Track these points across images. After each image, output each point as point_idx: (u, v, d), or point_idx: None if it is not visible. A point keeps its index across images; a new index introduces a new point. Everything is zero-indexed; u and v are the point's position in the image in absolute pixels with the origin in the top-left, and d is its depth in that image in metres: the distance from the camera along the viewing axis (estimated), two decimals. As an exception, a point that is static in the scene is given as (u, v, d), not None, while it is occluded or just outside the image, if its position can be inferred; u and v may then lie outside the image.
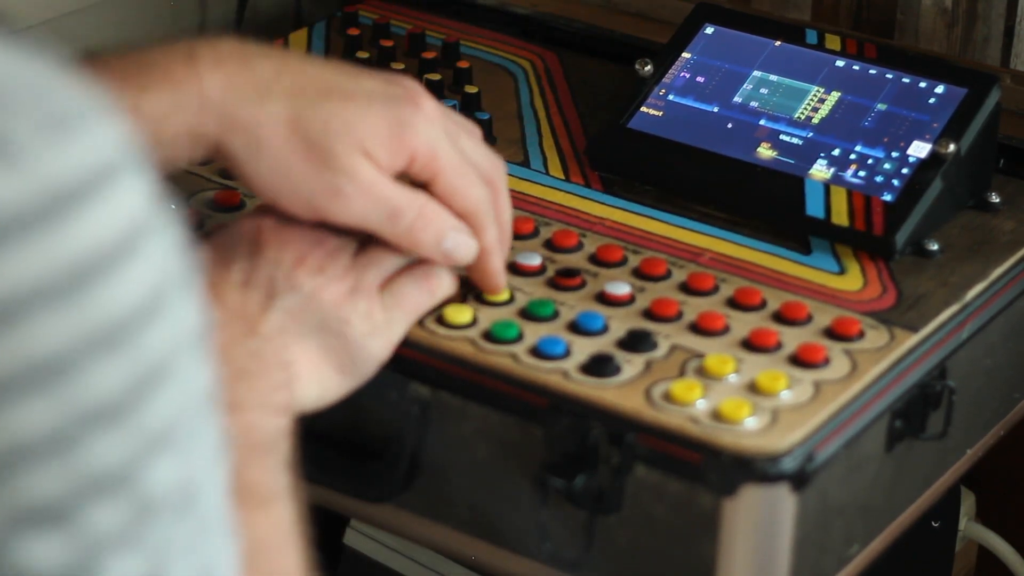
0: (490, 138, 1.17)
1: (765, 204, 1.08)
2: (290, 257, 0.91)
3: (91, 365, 0.55)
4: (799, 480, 0.89)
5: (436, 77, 1.22)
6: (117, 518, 0.57)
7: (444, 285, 0.96)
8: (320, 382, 0.90)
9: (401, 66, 1.24)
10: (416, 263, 0.95)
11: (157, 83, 0.89)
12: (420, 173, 0.93)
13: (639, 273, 1.02)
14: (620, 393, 0.92)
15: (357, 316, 0.91)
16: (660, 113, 1.14)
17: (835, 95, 1.12)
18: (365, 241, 0.94)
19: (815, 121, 1.11)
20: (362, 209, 0.91)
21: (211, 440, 0.62)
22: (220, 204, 1.08)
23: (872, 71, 1.13)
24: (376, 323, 0.92)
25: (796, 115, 1.12)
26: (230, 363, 0.86)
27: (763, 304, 1.00)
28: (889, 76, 1.12)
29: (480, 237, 0.96)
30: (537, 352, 0.95)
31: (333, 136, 0.91)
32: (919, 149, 1.08)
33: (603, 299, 1.00)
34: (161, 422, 0.58)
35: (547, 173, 1.13)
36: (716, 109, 1.13)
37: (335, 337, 0.90)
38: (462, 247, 0.95)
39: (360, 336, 0.91)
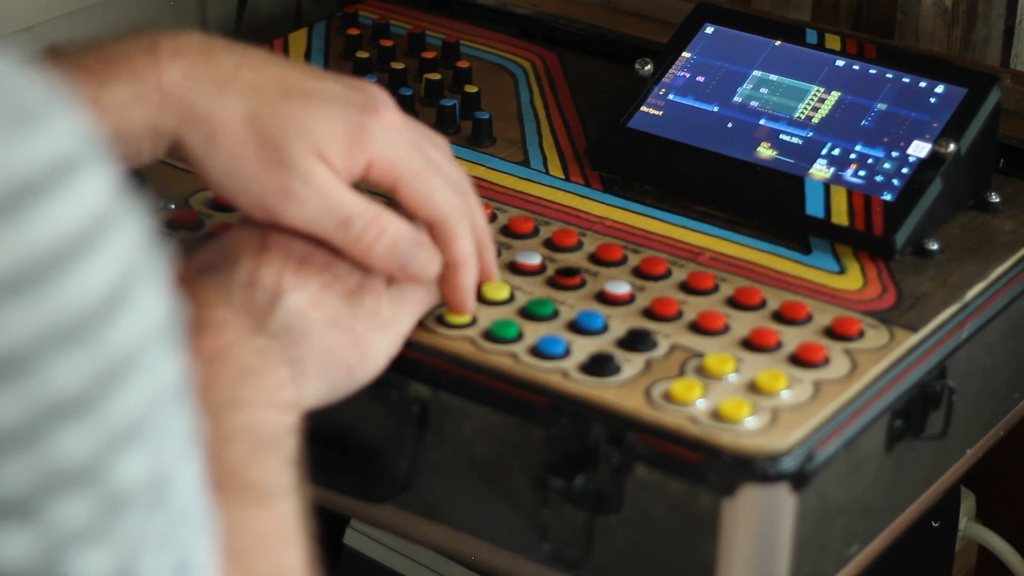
0: (490, 138, 1.17)
1: (765, 204, 1.08)
2: (296, 256, 0.90)
3: (54, 359, 0.55)
4: (799, 480, 0.88)
5: (436, 77, 1.22)
6: (84, 513, 0.56)
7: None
8: (328, 379, 0.90)
9: (401, 66, 1.24)
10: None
11: (118, 75, 0.88)
12: (380, 181, 0.92)
13: (639, 272, 1.02)
14: (620, 393, 0.92)
15: (364, 312, 0.91)
16: (660, 113, 1.14)
17: (835, 95, 1.12)
18: None
19: (815, 121, 1.11)
20: (314, 213, 0.90)
21: (182, 433, 0.61)
22: (220, 204, 1.08)
23: (872, 71, 1.13)
24: (383, 319, 0.92)
25: (796, 115, 1.12)
26: (235, 361, 0.85)
27: (763, 304, 1.00)
28: (889, 76, 1.12)
29: (451, 247, 0.93)
30: (537, 352, 0.95)
31: (289, 137, 0.89)
32: (919, 149, 1.08)
33: (603, 298, 1.00)
34: (128, 416, 0.57)
35: (547, 173, 1.13)
36: (716, 109, 1.13)
37: (342, 334, 0.90)
38: (420, 260, 0.92)
39: (367, 332, 0.91)
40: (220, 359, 0.85)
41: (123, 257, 0.57)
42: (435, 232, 0.93)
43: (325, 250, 0.91)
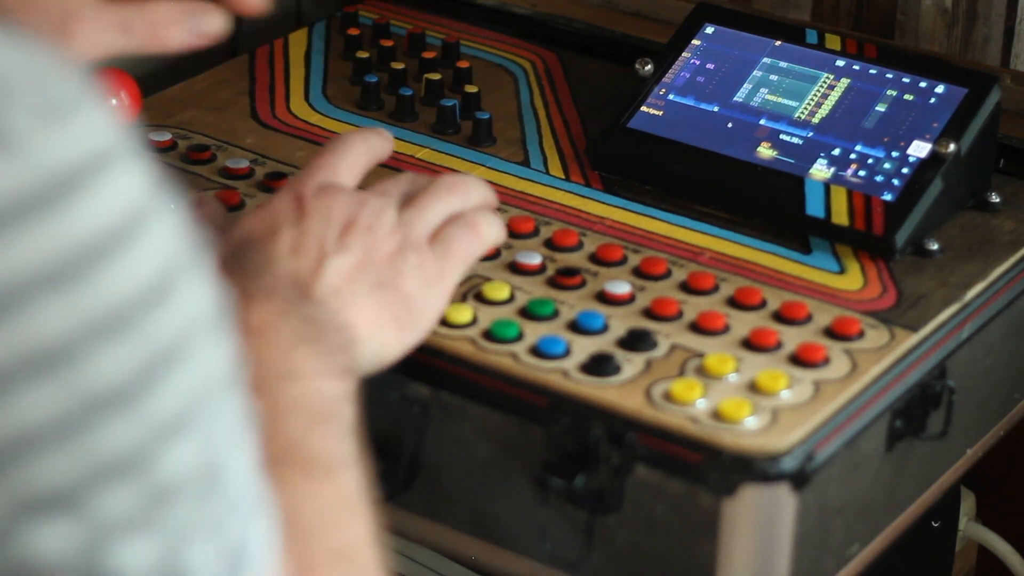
0: (490, 138, 1.17)
1: (765, 204, 1.08)
2: (337, 221, 0.90)
3: (96, 350, 0.55)
4: (799, 480, 0.88)
5: (436, 77, 1.22)
6: (128, 503, 0.57)
7: (493, 230, 0.96)
8: (380, 340, 0.89)
9: (401, 66, 1.24)
10: (461, 212, 0.95)
11: None
12: None
13: (639, 272, 1.02)
14: (620, 393, 0.92)
15: (410, 269, 0.91)
16: (660, 113, 1.14)
17: (835, 95, 1.12)
18: (407, 197, 0.94)
19: (815, 121, 1.11)
20: (96, 38, 0.86)
21: (233, 421, 0.62)
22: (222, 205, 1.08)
23: (872, 71, 1.13)
24: (430, 274, 0.92)
25: (796, 115, 1.12)
26: (286, 330, 0.85)
27: (763, 304, 1.00)
28: (889, 76, 1.12)
29: None
30: (537, 351, 0.95)
31: None
32: (919, 149, 1.08)
33: (603, 298, 1.00)
34: (175, 406, 0.58)
35: (547, 173, 1.13)
36: (716, 109, 1.13)
37: (391, 292, 0.90)
38: (204, 22, 0.90)
39: (415, 288, 0.91)
40: (270, 330, 0.85)
41: (164, 248, 0.57)
42: None
43: (365, 212, 0.91)
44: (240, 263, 0.88)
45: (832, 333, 0.97)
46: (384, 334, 0.90)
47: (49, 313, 0.54)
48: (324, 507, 0.79)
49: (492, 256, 1.03)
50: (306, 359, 0.85)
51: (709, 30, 1.17)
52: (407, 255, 0.91)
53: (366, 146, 0.97)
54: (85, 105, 0.56)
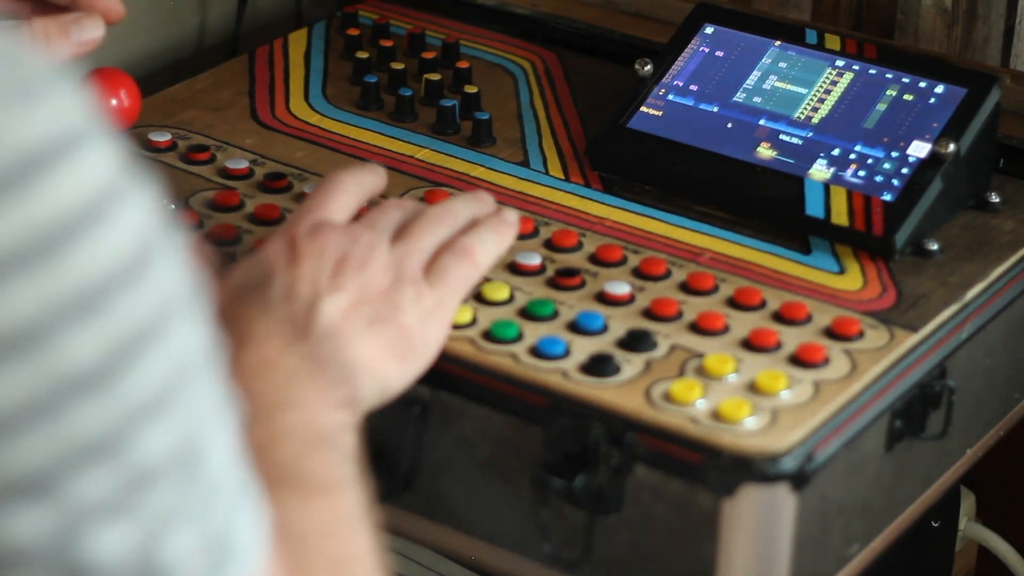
0: (490, 138, 1.17)
1: (765, 204, 1.08)
2: (330, 261, 0.90)
3: (67, 332, 0.55)
4: (799, 480, 0.88)
5: (436, 77, 1.22)
6: (104, 487, 0.56)
7: (488, 254, 0.96)
8: (381, 374, 0.89)
9: (401, 66, 1.24)
10: (454, 238, 0.95)
11: None
12: None
13: (639, 273, 1.02)
14: (620, 393, 0.92)
15: (407, 302, 0.91)
16: (660, 113, 1.14)
17: (835, 95, 1.12)
18: (398, 230, 0.94)
19: (815, 121, 1.11)
20: None
21: (211, 404, 0.61)
22: (220, 204, 1.08)
23: (872, 71, 1.13)
24: (427, 306, 0.92)
25: (796, 115, 1.11)
26: (282, 368, 0.85)
27: (763, 304, 1.00)
28: (889, 76, 1.12)
29: None
30: (537, 352, 0.95)
31: None
32: (919, 149, 1.08)
33: (603, 299, 1.00)
34: (149, 388, 0.57)
35: (547, 173, 1.13)
36: (716, 109, 1.13)
37: (389, 327, 0.90)
38: (86, 27, 0.98)
39: (414, 321, 0.91)
40: (267, 368, 0.85)
41: (136, 228, 0.57)
42: None
43: (357, 250, 0.91)
44: (236, 310, 0.88)
45: (832, 333, 0.97)
46: (385, 368, 0.90)
47: (18, 294, 0.54)
48: (320, 520, 0.79)
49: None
50: (305, 392, 0.85)
51: (709, 30, 1.17)
52: (403, 289, 0.91)
53: (357, 185, 0.97)
54: (54, 86, 0.56)
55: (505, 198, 1.10)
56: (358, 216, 0.96)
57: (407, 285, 0.91)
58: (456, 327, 0.97)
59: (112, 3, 1.01)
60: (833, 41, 1.15)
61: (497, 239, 0.97)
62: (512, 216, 0.99)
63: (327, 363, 0.87)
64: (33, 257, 0.54)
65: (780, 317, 0.98)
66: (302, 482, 0.80)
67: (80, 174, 0.56)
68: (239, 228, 1.05)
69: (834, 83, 1.13)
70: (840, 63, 1.13)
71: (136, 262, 0.57)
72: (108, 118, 0.58)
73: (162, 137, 1.15)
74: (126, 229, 0.57)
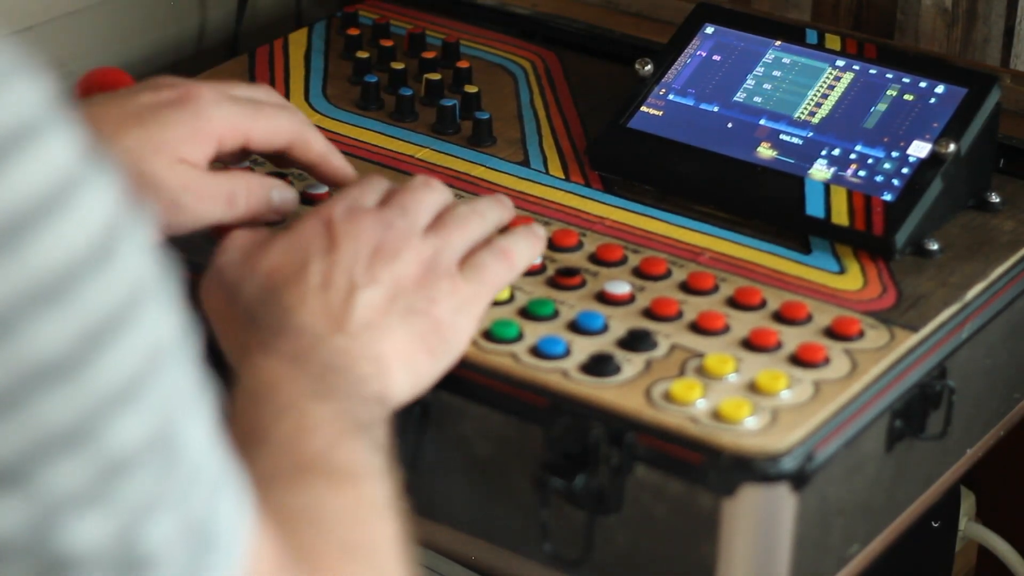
0: (490, 138, 1.17)
1: (765, 204, 1.08)
2: (366, 248, 0.91)
3: (33, 321, 0.54)
4: (799, 480, 0.88)
5: (436, 77, 1.22)
6: (78, 477, 0.56)
7: (523, 258, 0.97)
8: (413, 370, 0.90)
9: (401, 66, 1.24)
10: (490, 238, 0.96)
11: None
12: (232, 145, 0.99)
13: (639, 272, 1.02)
14: (620, 393, 0.92)
15: (442, 294, 0.92)
16: (660, 113, 1.14)
17: (835, 95, 1.12)
18: (435, 213, 0.96)
19: (815, 121, 1.11)
20: (205, 209, 0.96)
21: (185, 390, 0.61)
22: (220, 204, 1.08)
23: (872, 71, 1.13)
24: (461, 299, 0.92)
25: (796, 115, 1.11)
26: (317, 359, 0.86)
27: (763, 304, 1.00)
28: (889, 76, 1.12)
29: (312, 147, 1.02)
30: (537, 352, 0.95)
31: (148, 160, 0.95)
32: (919, 149, 1.08)
33: (603, 298, 1.00)
34: (119, 376, 0.57)
35: (547, 173, 1.13)
36: (716, 109, 1.13)
37: (422, 320, 0.90)
38: (288, 197, 1.01)
39: (447, 314, 0.91)
40: (302, 358, 0.86)
41: (99, 217, 0.57)
42: (292, 148, 1.01)
43: (393, 236, 0.92)
44: (271, 300, 0.89)
45: (832, 333, 0.97)
46: (417, 363, 0.90)
47: None
48: (341, 507, 0.79)
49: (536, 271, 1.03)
50: (337, 383, 0.86)
51: (709, 30, 1.17)
52: (439, 281, 0.92)
53: (388, 185, 0.98)
54: (12, 76, 0.56)
55: (505, 198, 1.10)
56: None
57: (442, 278, 0.92)
58: (456, 327, 0.97)
59: (349, 173, 1.04)
60: (833, 41, 1.15)
61: (531, 247, 0.99)
62: (542, 231, 1.00)
63: (361, 357, 0.87)
64: None
65: (780, 317, 0.98)
66: (329, 470, 0.80)
67: (41, 162, 0.55)
68: (239, 228, 1.05)
69: (834, 83, 1.13)
70: (840, 63, 1.13)
71: (102, 248, 0.57)
72: (69, 106, 0.58)
73: (162, 137, 1.15)
74: (90, 215, 0.56)
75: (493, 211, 0.99)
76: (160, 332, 0.59)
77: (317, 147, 1.02)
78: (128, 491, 0.58)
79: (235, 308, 0.90)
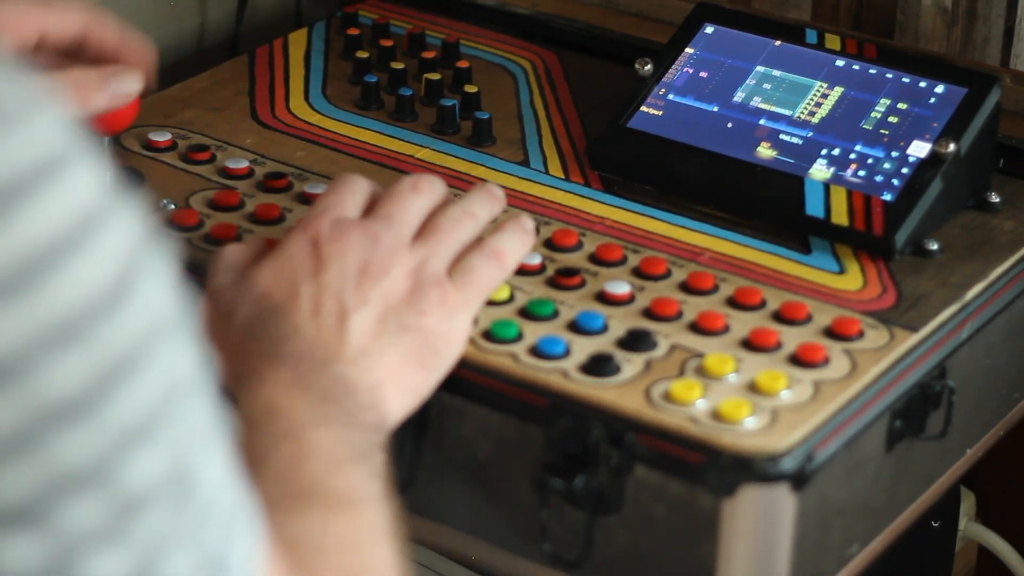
0: (490, 138, 1.17)
1: (765, 204, 1.08)
2: (353, 267, 0.90)
3: (50, 360, 0.54)
4: (799, 480, 0.88)
5: (436, 77, 1.22)
6: (95, 516, 0.56)
7: (514, 257, 0.96)
8: (408, 389, 0.90)
9: (401, 66, 1.24)
10: (480, 239, 0.96)
11: None
12: (28, 38, 0.99)
13: (639, 272, 1.02)
14: (620, 393, 0.92)
15: (431, 305, 0.91)
16: (660, 113, 1.14)
17: (835, 95, 1.12)
18: (423, 219, 0.94)
19: (815, 121, 1.11)
20: None
21: (201, 427, 0.61)
22: (220, 204, 1.08)
23: (872, 71, 1.13)
24: (451, 306, 0.92)
25: (796, 115, 1.11)
26: (315, 388, 0.85)
27: (763, 304, 1.00)
28: (889, 76, 1.12)
29: (107, 31, 1.02)
30: (537, 352, 0.95)
31: None
32: (919, 149, 1.08)
33: (603, 298, 1.00)
34: (136, 414, 0.57)
35: (547, 173, 1.13)
36: (716, 109, 1.13)
37: (415, 335, 0.90)
38: (125, 80, 1.00)
39: (438, 324, 0.91)
40: (299, 385, 0.85)
41: (119, 253, 0.56)
42: (89, 34, 1.01)
43: (379, 251, 0.91)
44: (264, 328, 0.88)
45: (832, 333, 0.97)
46: (412, 380, 0.90)
47: (0, 323, 0.53)
48: (341, 533, 0.78)
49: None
50: (335, 411, 0.85)
51: (709, 30, 1.17)
52: (428, 292, 0.91)
53: (369, 187, 0.97)
54: (33, 110, 0.55)
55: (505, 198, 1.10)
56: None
57: (431, 288, 0.91)
58: (456, 327, 0.97)
59: (148, 54, 1.03)
60: (833, 41, 1.15)
61: (522, 244, 0.97)
62: (530, 224, 0.98)
63: (358, 386, 0.87)
64: (14, 285, 0.53)
65: (780, 317, 0.98)
66: (327, 497, 0.80)
67: (62, 199, 0.55)
68: (239, 228, 1.05)
69: (834, 83, 1.12)
70: (840, 63, 1.13)
71: (120, 286, 0.56)
72: (93, 134, 0.57)
73: (162, 137, 1.15)
74: (109, 253, 0.56)
75: (484, 208, 0.97)
76: (177, 368, 0.59)
77: (113, 30, 1.02)
78: (144, 528, 0.57)
79: (230, 333, 0.90)
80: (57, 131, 0.56)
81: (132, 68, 1.01)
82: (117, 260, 0.56)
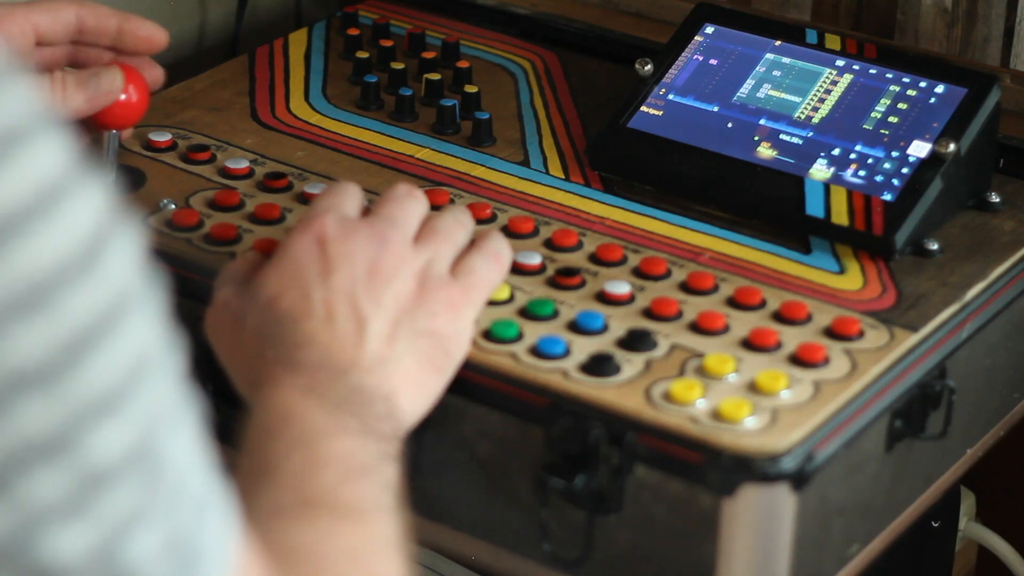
0: (490, 138, 1.17)
1: (765, 204, 1.08)
2: (362, 268, 0.90)
3: (13, 327, 0.54)
4: (799, 480, 0.88)
5: (436, 77, 1.22)
6: (58, 487, 0.55)
7: (508, 254, 0.98)
8: (421, 393, 0.90)
9: (401, 66, 1.24)
10: (478, 242, 0.97)
11: None
12: (22, 38, 1.01)
13: (639, 272, 1.02)
14: (620, 393, 0.92)
15: (440, 306, 0.91)
16: (660, 113, 1.14)
17: (835, 95, 1.12)
18: (420, 221, 0.95)
19: (815, 121, 1.11)
20: None
21: (169, 402, 0.60)
22: (220, 204, 1.08)
23: (872, 71, 1.13)
24: (459, 307, 0.93)
25: (796, 115, 1.11)
26: (330, 396, 0.85)
27: (763, 304, 1.00)
28: (889, 76, 1.12)
29: (103, 15, 1.04)
30: (537, 352, 0.95)
31: None
32: (919, 149, 1.08)
33: (603, 298, 1.00)
34: (101, 385, 0.56)
35: (547, 173, 1.13)
36: (716, 108, 1.13)
37: (427, 338, 0.90)
38: (103, 80, 1.03)
39: (447, 325, 0.91)
40: (316, 392, 0.85)
41: (85, 225, 0.56)
42: (83, 22, 1.03)
43: (387, 253, 0.91)
44: (277, 333, 0.87)
45: (832, 333, 0.97)
46: (425, 384, 0.90)
47: None
48: (347, 543, 0.78)
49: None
50: (350, 420, 0.85)
51: (709, 30, 1.17)
52: (436, 293, 0.92)
53: (362, 194, 0.97)
54: (2, 86, 0.55)
55: (505, 198, 1.10)
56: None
57: (439, 289, 0.92)
58: (456, 327, 0.97)
59: (155, 31, 1.05)
60: (833, 41, 1.15)
61: (507, 245, 0.99)
62: (504, 241, 1.00)
63: (374, 395, 0.87)
64: None
65: (780, 317, 0.98)
66: (336, 507, 0.80)
67: (29, 167, 0.55)
68: (239, 228, 1.05)
69: (834, 83, 1.13)
70: (840, 63, 1.13)
71: (87, 255, 0.56)
72: (92, 125, 0.58)
73: (162, 137, 1.15)
74: (76, 222, 0.56)
75: (468, 219, 0.99)
76: (144, 343, 0.59)
77: (108, 14, 1.03)
78: (110, 503, 0.57)
79: (241, 341, 0.89)
80: (24, 102, 0.56)
81: (110, 68, 1.03)
82: (83, 231, 0.56)
